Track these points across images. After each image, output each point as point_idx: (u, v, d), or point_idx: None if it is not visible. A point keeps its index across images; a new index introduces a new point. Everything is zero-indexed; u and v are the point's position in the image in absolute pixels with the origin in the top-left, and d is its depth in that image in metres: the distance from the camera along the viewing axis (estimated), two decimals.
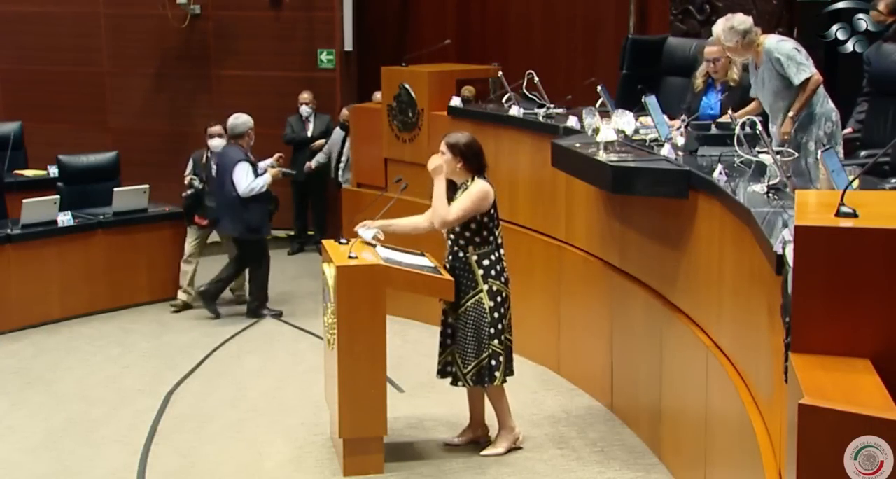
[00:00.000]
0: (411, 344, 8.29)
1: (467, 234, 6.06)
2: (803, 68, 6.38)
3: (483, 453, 6.25)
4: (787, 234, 3.81)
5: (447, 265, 6.15)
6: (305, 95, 11.28)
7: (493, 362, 6.06)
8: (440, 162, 6.13)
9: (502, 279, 6.09)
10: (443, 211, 6.05)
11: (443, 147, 6.16)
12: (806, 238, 3.36)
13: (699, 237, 5.56)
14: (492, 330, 6.04)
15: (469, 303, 6.06)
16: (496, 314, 6.05)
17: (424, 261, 6.27)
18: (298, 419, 6.88)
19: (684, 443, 5.77)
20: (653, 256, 6.18)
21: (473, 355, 6.06)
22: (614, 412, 6.83)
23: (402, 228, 6.41)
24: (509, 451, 6.25)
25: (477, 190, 6.05)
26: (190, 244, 9.52)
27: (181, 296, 9.45)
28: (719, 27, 6.47)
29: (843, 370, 3.22)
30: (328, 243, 6.33)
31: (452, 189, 6.18)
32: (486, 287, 6.04)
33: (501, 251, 6.13)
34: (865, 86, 7.41)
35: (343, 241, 6.24)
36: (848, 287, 3.31)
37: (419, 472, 6.06)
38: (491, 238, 6.09)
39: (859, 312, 3.30)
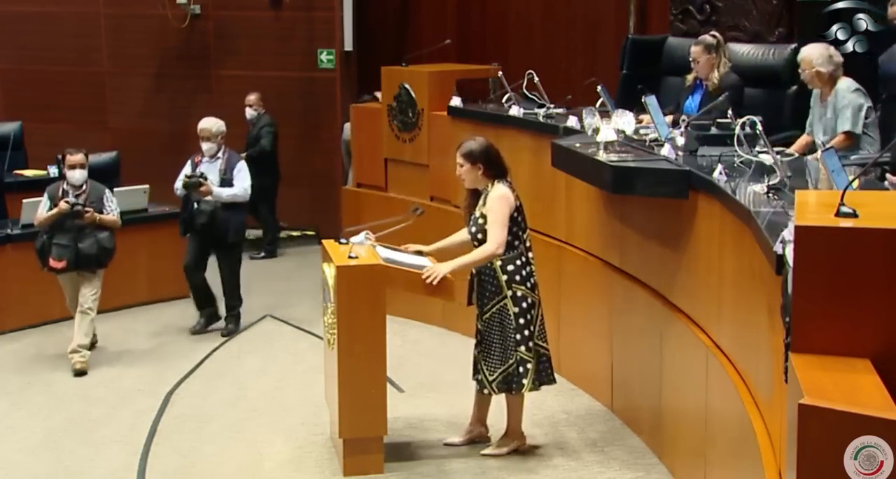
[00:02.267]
0: (411, 344, 8.29)
1: None
2: (855, 123, 6.51)
3: (484, 452, 6.24)
4: (787, 234, 3.81)
5: (474, 270, 6.11)
6: (251, 97, 11.13)
7: (521, 369, 6.03)
8: (438, 272, 5.93)
9: (528, 285, 6.03)
10: (484, 255, 5.93)
11: (459, 159, 6.05)
12: (806, 238, 3.36)
13: (699, 237, 5.56)
14: (517, 336, 6.00)
15: (494, 309, 6.02)
16: (522, 320, 6.01)
17: (424, 261, 6.26)
18: (298, 419, 6.88)
19: (684, 443, 5.77)
20: (653, 256, 6.18)
21: (499, 362, 6.02)
22: (614, 412, 6.83)
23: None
24: (510, 453, 6.24)
25: (494, 200, 5.96)
26: (71, 294, 8.08)
27: (79, 359, 7.90)
28: (817, 51, 6.66)
29: (843, 370, 3.22)
30: (328, 243, 6.33)
31: (476, 197, 6.13)
32: (510, 293, 6.00)
33: (529, 255, 6.08)
34: (882, 91, 7.43)
35: (343, 241, 6.24)
36: (848, 287, 3.31)
37: (419, 472, 6.06)
38: (516, 243, 6.03)
39: (859, 312, 3.30)
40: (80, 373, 7.82)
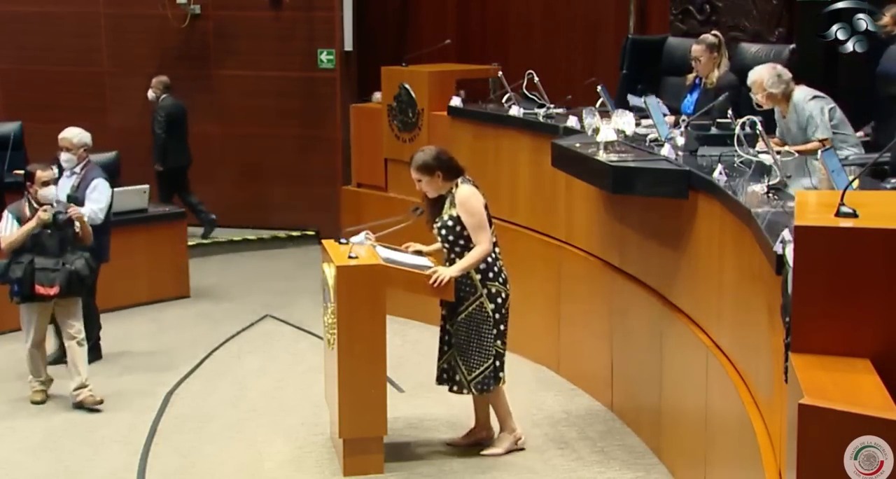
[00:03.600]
0: (411, 344, 8.29)
1: (461, 241, 6.02)
2: (824, 129, 6.49)
3: (483, 452, 6.24)
4: (787, 234, 3.81)
5: None
6: (153, 80, 11.19)
7: (497, 364, 6.05)
8: (444, 276, 5.90)
9: (500, 280, 6.06)
10: (481, 255, 5.93)
11: (416, 175, 6.03)
12: (806, 238, 3.36)
13: (699, 237, 5.56)
14: (495, 332, 6.03)
15: (471, 308, 6.03)
16: (498, 316, 6.03)
17: (424, 261, 6.26)
18: (298, 419, 6.88)
19: (684, 443, 5.77)
20: (653, 256, 6.18)
21: (478, 362, 6.03)
22: (614, 412, 6.83)
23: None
24: (509, 452, 6.25)
25: (466, 201, 5.96)
26: (36, 328, 7.18)
27: (39, 388, 7.31)
28: (766, 73, 6.62)
29: (843, 370, 3.22)
30: (328, 243, 6.33)
31: (439, 201, 6.11)
32: (485, 291, 6.02)
33: (496, 250, 6.09)
34: (880, 91, 7.42)
35: (343, 241, 6.24)
36: (848, 287, 3.31)
37: (419, 472, 6.06)
38: None
39: (859, 312, 3.31)
40: (95, 405, 7.09)
